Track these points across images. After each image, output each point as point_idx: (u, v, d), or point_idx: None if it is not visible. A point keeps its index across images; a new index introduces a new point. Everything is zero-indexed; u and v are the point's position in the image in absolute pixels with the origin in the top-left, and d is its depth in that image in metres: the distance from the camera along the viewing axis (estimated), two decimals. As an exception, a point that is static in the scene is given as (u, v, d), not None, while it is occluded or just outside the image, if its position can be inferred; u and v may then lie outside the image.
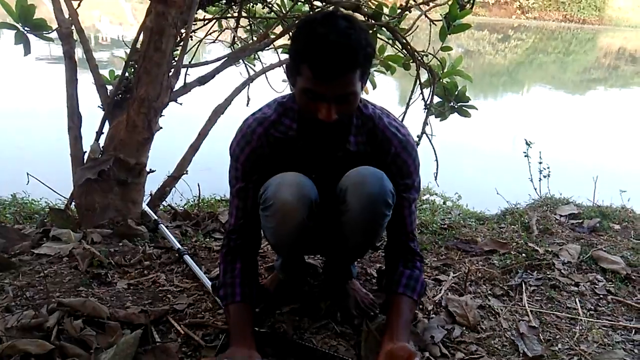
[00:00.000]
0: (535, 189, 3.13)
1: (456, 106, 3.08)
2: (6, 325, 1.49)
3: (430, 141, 3.68)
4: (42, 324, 1.50)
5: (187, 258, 2.12)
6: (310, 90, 1.38)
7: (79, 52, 2.55)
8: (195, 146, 2.79)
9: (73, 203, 2.51)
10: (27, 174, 2.29)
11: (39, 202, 3.36)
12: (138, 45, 2.44)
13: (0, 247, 2.10)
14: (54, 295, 1.75)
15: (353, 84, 1.38)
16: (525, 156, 2.94)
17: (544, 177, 2.97)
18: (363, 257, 2.21)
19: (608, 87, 13.91)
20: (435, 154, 3.69)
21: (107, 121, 2.51)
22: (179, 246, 2.21)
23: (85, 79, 2.58)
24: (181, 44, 2.49)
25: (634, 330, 1.86)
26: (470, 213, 3.23)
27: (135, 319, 1.63)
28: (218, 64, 2.77)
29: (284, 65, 2.79)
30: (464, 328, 1.81)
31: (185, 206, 3.24)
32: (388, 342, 1.49)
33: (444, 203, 3.85)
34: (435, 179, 3.88)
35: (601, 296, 2.08)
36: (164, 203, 2.83)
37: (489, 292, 2.06)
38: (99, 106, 2.55)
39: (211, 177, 3.45)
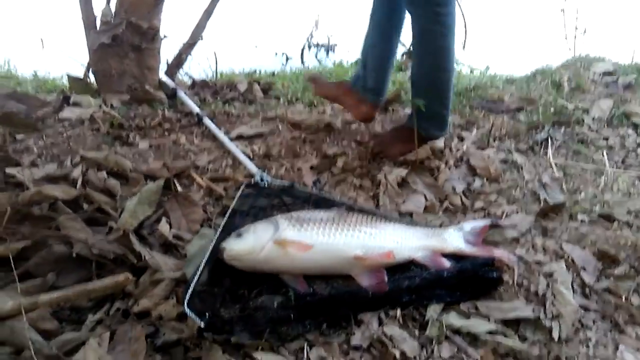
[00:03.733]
0: (570, 49, 2.93)
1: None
2: (33, 177, 1.53)
3: (459, 4, 3.44)
4: (67, 175, 1.54)
5: (207, 120, 2.11)
6: None
7: None
8: (209, 11, 2.66)
9: (91, 71, 2.48)
10: (41, 40, 2.23)
11: (61, 79, 3.33)
12: None
13: (22, 112, 2.12)
14: (77, 152, 1.78)
15: None
16: (561, 10, 2.71)
17: (581, 34, 2.75)
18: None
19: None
20: (464, 19, 3.46)
21: (115, -18, 2.39)
22: (198, 110, 2.19)
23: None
24: None
25: (661, 180, 1.81)
26: (498, 77, 3.08)
27: (157, 172, 1.66)
28: None
29: None
30: (485, 180, 1.79)
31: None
32: None
33: (471, 72, 3.67)
34: (463, 48, 3.68)
35: (630, 149, 2.01)
36: (181, 72, 2.78)
37: (513, 146, 2.01)
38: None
39: (229, 48, 3.36)
